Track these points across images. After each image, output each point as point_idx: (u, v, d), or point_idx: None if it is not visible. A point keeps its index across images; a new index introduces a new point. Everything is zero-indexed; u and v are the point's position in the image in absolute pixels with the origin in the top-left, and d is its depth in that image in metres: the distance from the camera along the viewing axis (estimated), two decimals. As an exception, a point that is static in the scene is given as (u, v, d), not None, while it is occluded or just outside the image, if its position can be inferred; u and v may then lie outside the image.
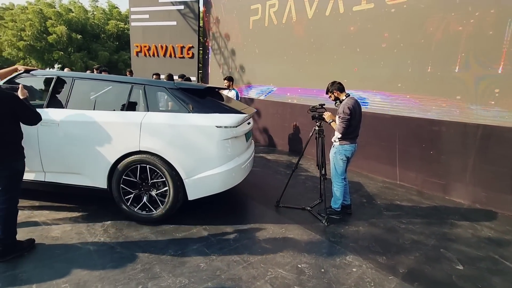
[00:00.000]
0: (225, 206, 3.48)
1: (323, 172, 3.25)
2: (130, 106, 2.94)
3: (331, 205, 3.32)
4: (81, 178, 2.96)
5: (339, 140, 3.15)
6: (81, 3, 13.16)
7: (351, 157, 3.25)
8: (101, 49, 12.59)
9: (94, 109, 3.00)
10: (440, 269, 2.43)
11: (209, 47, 9.21)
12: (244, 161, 3.20)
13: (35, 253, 2.35)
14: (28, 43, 11.16)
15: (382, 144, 4.88)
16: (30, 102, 3.14)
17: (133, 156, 2.81)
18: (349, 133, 3.08)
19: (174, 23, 9.19)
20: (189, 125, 2.80)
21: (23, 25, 11.19)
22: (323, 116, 3.25)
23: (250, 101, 7.78)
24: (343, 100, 3.14)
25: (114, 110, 2.96)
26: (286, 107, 6.67)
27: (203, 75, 9.65)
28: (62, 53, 11.54)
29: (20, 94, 2.40)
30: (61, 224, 2.80)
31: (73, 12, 12.54)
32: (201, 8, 9.14)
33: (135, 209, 2.90)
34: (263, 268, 2.31)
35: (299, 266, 2.37)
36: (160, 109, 2.96)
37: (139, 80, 3.02)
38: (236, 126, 2.92)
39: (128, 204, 2.90)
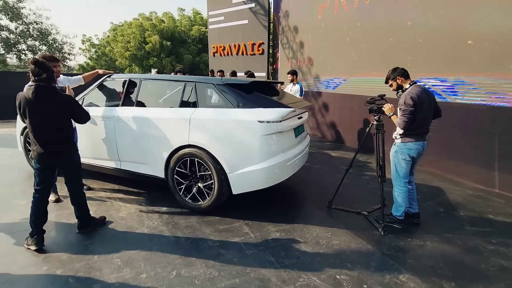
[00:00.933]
0: (273, 202, 3.41)
1: (381, 173, 2.81)
2: (184, 103, 3.16)
3: (392, 212, 2.86)
4: (146, 167, 3.36)
5: (401, 137, 2.67)
6: (171, 14, 14.96)
7: (418, 158, 2.72)
8: (186, 53, 14.09)
9: (155, 107, 3.35)
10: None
11: (279, 42, 9.16)
12: (291, 158, 3.05)
13: (105, 228, 2.78)
14: (132, 52, 13.37)
15: (475, 142, 3.93)
16: (111, 102, 3.74)
17: (184, 150, 3.02)
18: (414, 128, 2.58)
19: (246, 21, 9.48)
20: (233, 120, 2.83)
21: (128, 38, 13.47)
22: (383, 108, 2.80)
23: (317, 95, 7.43)
24: (406, 89, 2.64)
25: (171, 107, 3.23)
26: (355, 100, 6.08)
27: (273, 70, 9.69)
28: (156, 58, 13.41)
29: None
30: (129, 206, 3.25)
31: (164, 23, 14.40)
32: (271, 3, 9.14)
33: (186, 199, 3.12)
34: (295, 273, 2.16)
35: (338, 277, 2.12)
36: (209, 105, 3.08)
37: (191, 78, 3.22)
38: (280, 121, 2.80)
39: (181, 194, 3.14)
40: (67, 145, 2.52)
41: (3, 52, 22.54)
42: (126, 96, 3.50)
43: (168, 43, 13.51)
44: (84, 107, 3.57)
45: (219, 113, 2.91)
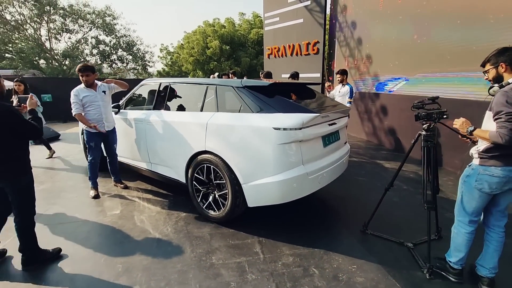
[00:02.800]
0: (296, 219, 3.02)
1: (428, 197, 2.18)
2: (205, 106, 3.05)
3: (446, 256, 2.16)
4: (170, 171, 3.36)
5: (481, 156, 1.83)
6: (232, 19, 15.47)
7: (502, 193, 1.86)
8: (243, 56, 14.36)
9: (180, 110, 3.33)
10: None
11: (335, 40, 8.49)
12: (316, 170, 2.64)
13: (121, 231, 2.84)
14: (195, 58, 14.27)
15: None
16: (145, 106, 3.86)
17: (201, 156, 2.90)
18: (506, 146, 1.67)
19: (301, 20, 9.07)
20: (247, 126, 2.57)
21: (193, 44, 14.42)
22: (454, 125, 1.95)
23: (375, 96, 6.58)
24: (507, 84, 1.74)
25: (194, 111, 3.15)
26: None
27: (329, 70, 9.04)
28: (216, 63, 14.02)
29: (28, 103, 2.31)
30: (152, 208, 3.29)
31: (225, 28, 14.97)
32: (328, 0, 8.53)
33: (203, 206, 2.99)
34: (296, 313, 1.79)
35: (348, 329, 1.67)
36: (228, 109, 2.89)
37: (213, 81, 3.08)
38: (300, 128, 2.43)
39: (198, 201, 3.03)
40: (5, 166, 2.05)
41: (100, 62, 26.82)
42: (157, 100, 3.58)
43: (227, 47, 13.99)
44: (127, 110, 3.69)
45: (234, 118, 2.69)
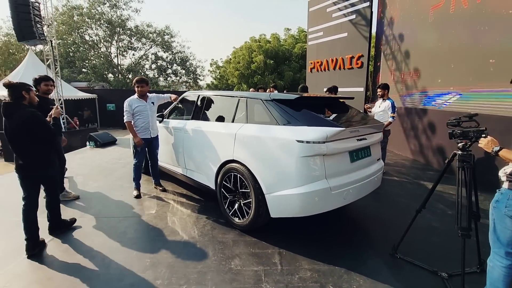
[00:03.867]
0: (321, 234, 2.96)
1: (464, 224, 1.98)
2: (236, 118, 3.21)
3: (484, 290, 1.93)
4: (202, 177, 3.57)
5: (509, 180, 1.68)
6: (278, 34, 15.90)
7: None
8: (287, 70, 14.56)
9: (212, 120, 3.55)
10: None
11: (381, 53, 8.19)
12: (341, 186, 2.58)
13: (158, 227, 3.08)
14: (241, 72, 14.90)
15: None
16: (185, 116, 4.18)
17: (229, 164, 3.04)
18: None
19: (345, 34, 8.96)
20: (272, 138, 2.65)
21: (239, 59, 15.12)
22: (479, 144, 1.85)
23: (422, 112, 6.15)
24: None
25: (226, 122, 3.34)
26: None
27: (373, 84, 8.70)
28: (260, 76, 14.46)
29: (53, 112, 2.82)
30: (184, 211, 3.51)
31: (270, 43, 15.42)
32: (374, 13, 8.32)
33: (229, 213, 3.11)
34: (304, 328, 1.76)
35: None
36: (256, 120, 3.00)
37: (244, 94, 3.23)
38: (324, 142, 2.42)
39: (225, 207, 3.16)
40: (31, 159, 2.57)
41: (157, 76, 29.52)
42: (195, 111, 3.86)
43: (271, 61, 14.36)
44: (170, 120, 4.07)
45: (261, 129, 2.79)
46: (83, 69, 25.51)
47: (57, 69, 10.83)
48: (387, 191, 4.31)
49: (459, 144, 2.08)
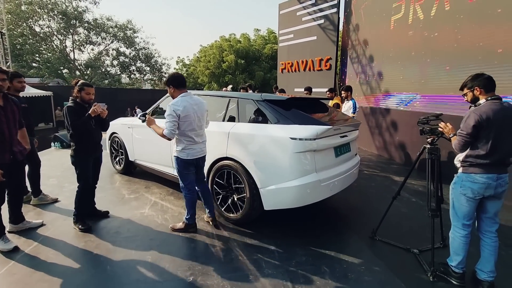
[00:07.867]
0: (310, 224, 3.23)
1: (432, 205, 2.37)
2: (227, 117, 3.34)
3: (447, 261, 2.32)
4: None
5: (463, 165, 2.13)
6: (248, 34, 16.14)
7: (489, 196, 2.07)
8: (258, 70, 14.87)
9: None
10: None
11: (347, 57, 8.81)
12: (328, 178, 2.87)
13: (155, 226, 3.10)
14: (211, 71, 14.86)
15: None
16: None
17: (222, 161, 3.17)
18: (482, 156, 2.00)
19: (315, 37, 9.46)
20: (266, 136, 2.85)
21: (209, 58, 15.06)
22: (442, 129, 2.30)
23: (385, 112, 6.79)
24: (478, 105, 2.06)
25: (216, 121, 3.45)
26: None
27: (340, 85, 9.31)
28: (231, 76, 14.56)
29: (91, 111, 2.91)
30: (175, 209, 3.55)
31: (241, 43, 15.60)
32: (341, 19, 8.92)
33: (222, 209, 3.24)
34: (309, 303, 1.99)
35: (356, 319, 1.86)
36: (248, 120, 3.17)
37: (235, 94, 3.39)
38: (314, 139, 2.68)
39: (218, 203, 3.28)
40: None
41: (119, 72, 28.00)
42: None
43: (242, 61, 14.56)
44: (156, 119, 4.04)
45: (255, 128, 2.97)
46: (33, 64, 23.34)
47: (8, 63, 9.89)
48: (360, 183, 4.74)
49: (428, 139, 2.46)
